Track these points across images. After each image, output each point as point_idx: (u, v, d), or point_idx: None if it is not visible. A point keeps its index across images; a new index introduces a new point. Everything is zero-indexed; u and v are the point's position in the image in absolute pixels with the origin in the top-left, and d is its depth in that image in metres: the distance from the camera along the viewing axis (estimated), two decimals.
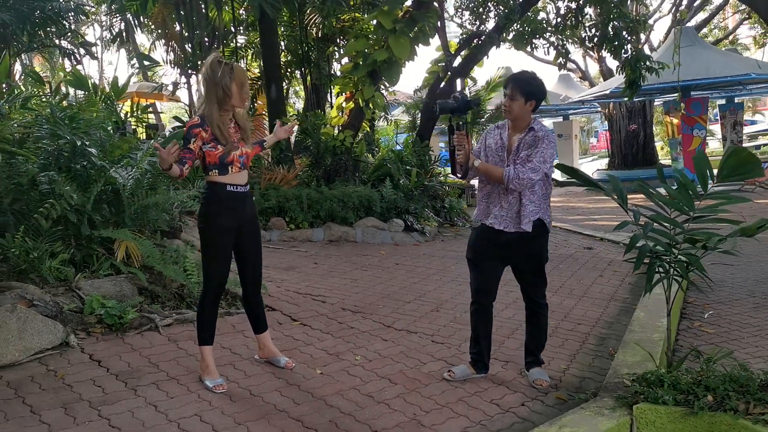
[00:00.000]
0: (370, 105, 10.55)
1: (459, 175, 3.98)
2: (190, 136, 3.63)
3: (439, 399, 3.74)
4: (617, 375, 3.97)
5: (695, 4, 22.59)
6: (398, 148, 12.78)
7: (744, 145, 27.16)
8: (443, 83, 12.86)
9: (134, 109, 7.41)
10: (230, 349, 4.38)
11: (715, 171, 3.67)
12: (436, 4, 12.30)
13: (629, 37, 11.50)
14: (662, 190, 4.11)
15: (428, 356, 4.44)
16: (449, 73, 13.14)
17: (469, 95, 3.94)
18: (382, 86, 11.66)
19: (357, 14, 12.53)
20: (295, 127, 4.09)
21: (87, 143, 5.42)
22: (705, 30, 25.78)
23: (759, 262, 8.25)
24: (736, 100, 22.35)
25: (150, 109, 8.57)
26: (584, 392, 3.85)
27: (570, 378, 4.12)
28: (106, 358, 4.05)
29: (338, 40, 13.59)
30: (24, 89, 7.20)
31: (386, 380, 3.99)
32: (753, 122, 43.49)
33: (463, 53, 13.45)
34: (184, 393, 3.67)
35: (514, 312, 5.48)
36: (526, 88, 3.74)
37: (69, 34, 12.15)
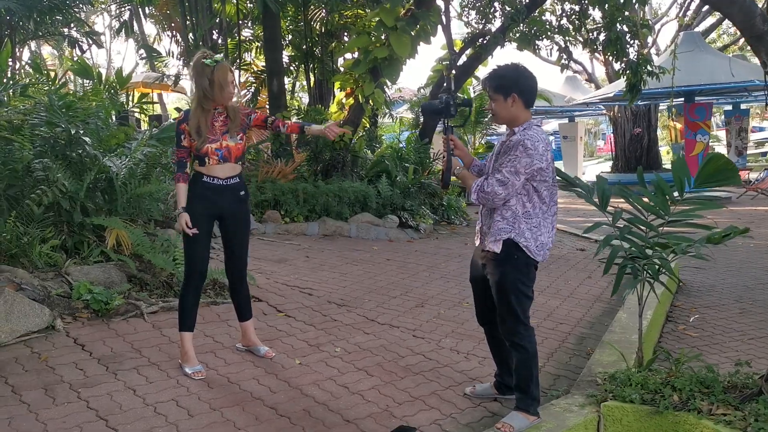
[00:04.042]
0: (370, 102, 10.60)
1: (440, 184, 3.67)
2: (180, 132, 3.76)
3: (414, 392, 3.81)
4: (591, 374, 4.02)
5: (703, 9, 22.48)
6: (402, 146, 12.81)
7: (750, 152, 27.12)
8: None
9: (131, 99, 7.49)
10: (213, 337, 4.46)
11: None
12: (440, 2, 12.35)
13: (631, 41, 11.50)
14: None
15: (407, 350, 4.50)
16: (453, 71, 13.20)
17: (455, 96, 3.72)
18: (386, 83, 11.69)
19: (360, 11, 12.56)
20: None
21: (82, 131, 5.51)
22: (713, 35, 25.66)
23: (751, 269, 8.27)
24: (743, 106, 22.29)
25: (146, 99, 8.62)
26: (557, 389, 3.92)
27: (545, 375, 4.18)
28: (89, 342, 4.14)
29: (342, 36, 13.63)
30: (25, 77, 7.28)
31: (363, 372, 4.06)
32: (761, 129, 43.26)
33: (468, 52, 13.52)
34: (164, 378, 3.75)
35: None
36: (500, 83, 3.24)
37: (74, 23, 12.20)
